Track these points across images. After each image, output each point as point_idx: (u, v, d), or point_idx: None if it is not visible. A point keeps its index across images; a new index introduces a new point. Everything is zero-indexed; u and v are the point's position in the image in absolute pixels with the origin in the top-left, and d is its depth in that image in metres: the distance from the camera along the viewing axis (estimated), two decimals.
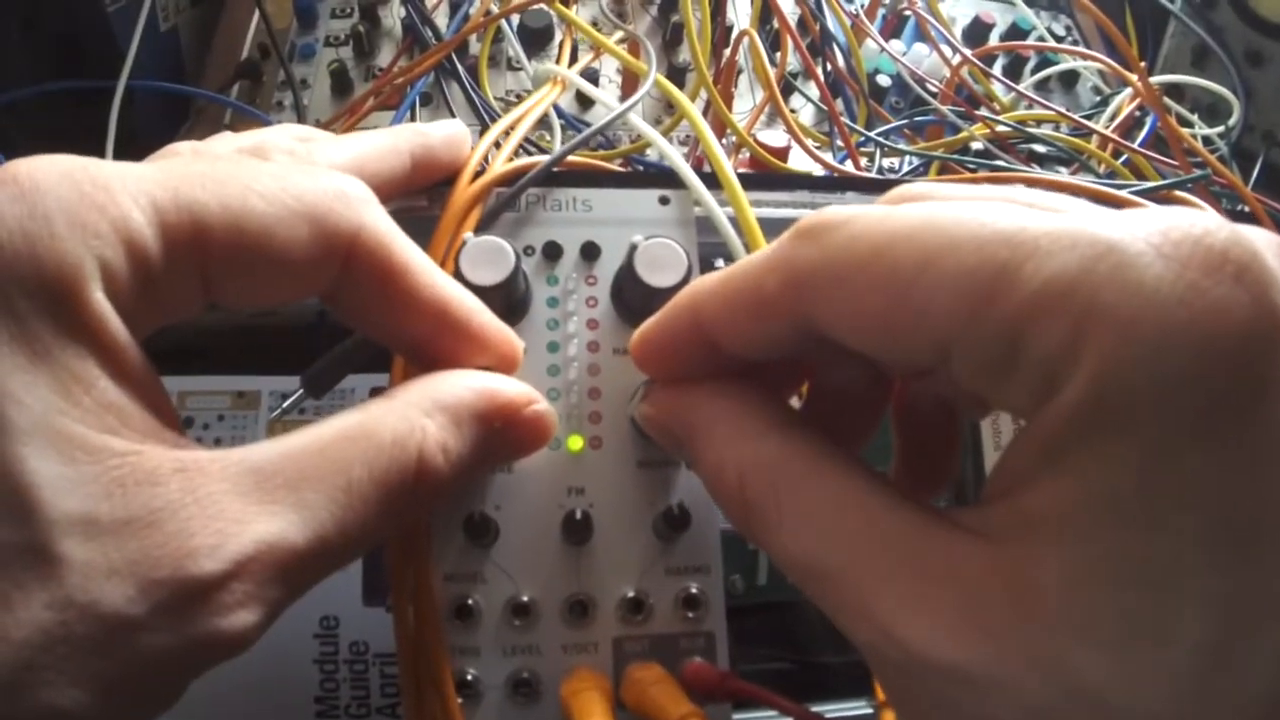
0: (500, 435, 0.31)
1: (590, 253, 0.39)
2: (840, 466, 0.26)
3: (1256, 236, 0.21)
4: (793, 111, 0.70)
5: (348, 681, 0.44)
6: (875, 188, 0.46)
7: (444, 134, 0.40)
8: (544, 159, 0.40)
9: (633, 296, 0.37)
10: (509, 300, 0.37)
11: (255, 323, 0.52)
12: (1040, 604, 0.21)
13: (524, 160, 0.40)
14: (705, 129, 0.42)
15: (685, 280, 0.36)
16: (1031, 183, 0.49)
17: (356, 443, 0.27)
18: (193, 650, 0.23)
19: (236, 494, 0.24)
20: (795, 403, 0.35)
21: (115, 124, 0.59)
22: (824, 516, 0.25)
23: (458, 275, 0.34)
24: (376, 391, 0.46)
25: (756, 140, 0.60)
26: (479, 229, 0.37)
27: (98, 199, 0.24)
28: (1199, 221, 0.21)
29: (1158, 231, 0.20)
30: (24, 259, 0.23)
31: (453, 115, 0.64)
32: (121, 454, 0.23)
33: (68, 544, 0.21)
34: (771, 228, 0.38)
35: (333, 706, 0.44)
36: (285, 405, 0.40)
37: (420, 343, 0.31)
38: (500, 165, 0.39)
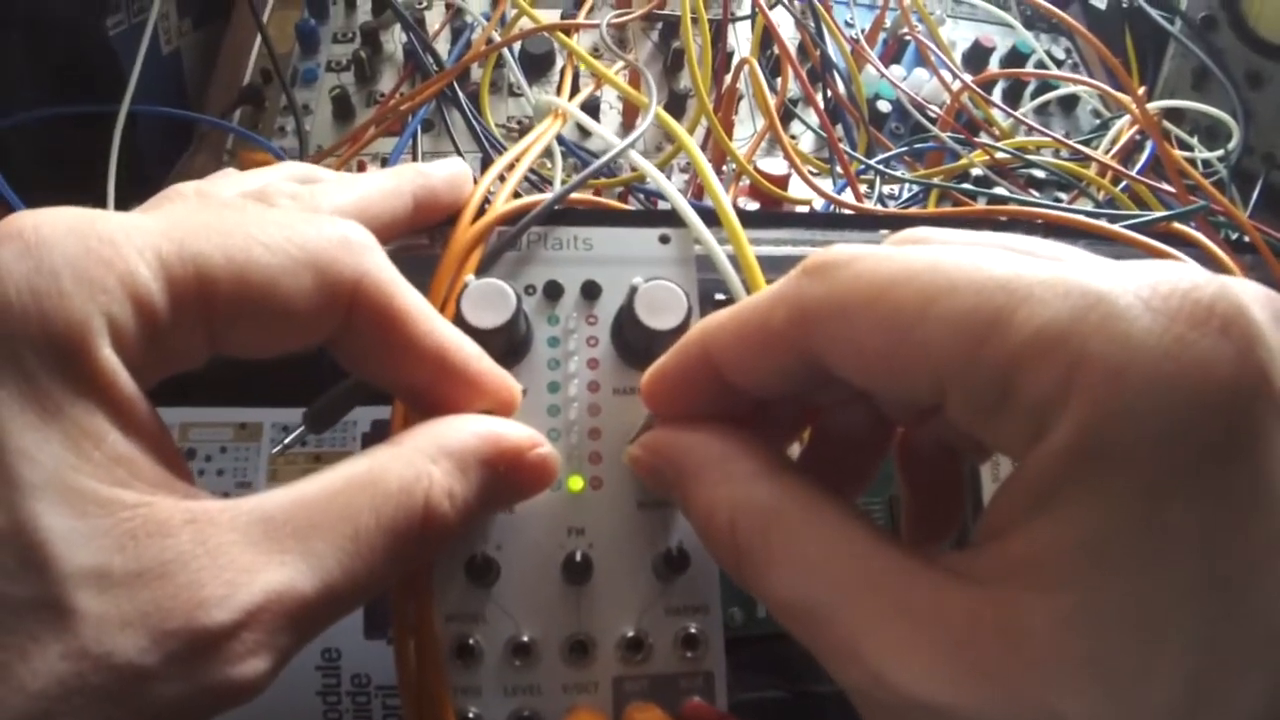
0: (505, 479, 0.31)
1: (591, 292, 0.39)
2: (832, 511, 0.26)
3: (1244, 290, 0.21)
4: (793, 138, 0.70)
5: (350, 713, 0.45)
6: (873, 223, 0.47)
7: (446, 174, 0.40)
8: (545, 198, 0.40)
9: (633, 338, 0.37)
10: (510, 342, 0.37)
11: None
12: (1028, 648, 0.21)
13: (525, 200, 0.40)
14: (705, 166, 0.42)
15: (685, 322, 0.36)
16: (1032, 215, 0.49)
17: (364, 490, 0.27)
18: (204, 698, 0.23)
19: (246, 544, 0.24)
20: (796, 448, 0.36)
21: (118, 148, 0.59)
22: (815, 559, 0.26)
23: (459, 318, 0.35)
24: (379, 424, 0.46)
25: (757, 169, 0.61)
26: (480, 269, 0.38)
27: (104, 254, 0.24)
28: (1187, 276, 0.21)
29: (1147, 285, 0.21)
30: (33, 317, 0.23)
31: (454, 142, 0.64)
32: (133, 506, 0.23)
33: (81, 597, 0.22)
34: (771, 265, 0.38)
35: None
36: (287, 441, 0.40)
37: (419, 388, 0.32)
38: (501, 204, 0.39)
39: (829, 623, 0.24)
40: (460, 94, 0.63)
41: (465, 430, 0.30)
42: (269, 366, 0.50)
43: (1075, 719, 0.20)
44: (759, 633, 0.48)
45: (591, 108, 0.69)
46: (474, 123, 0.62)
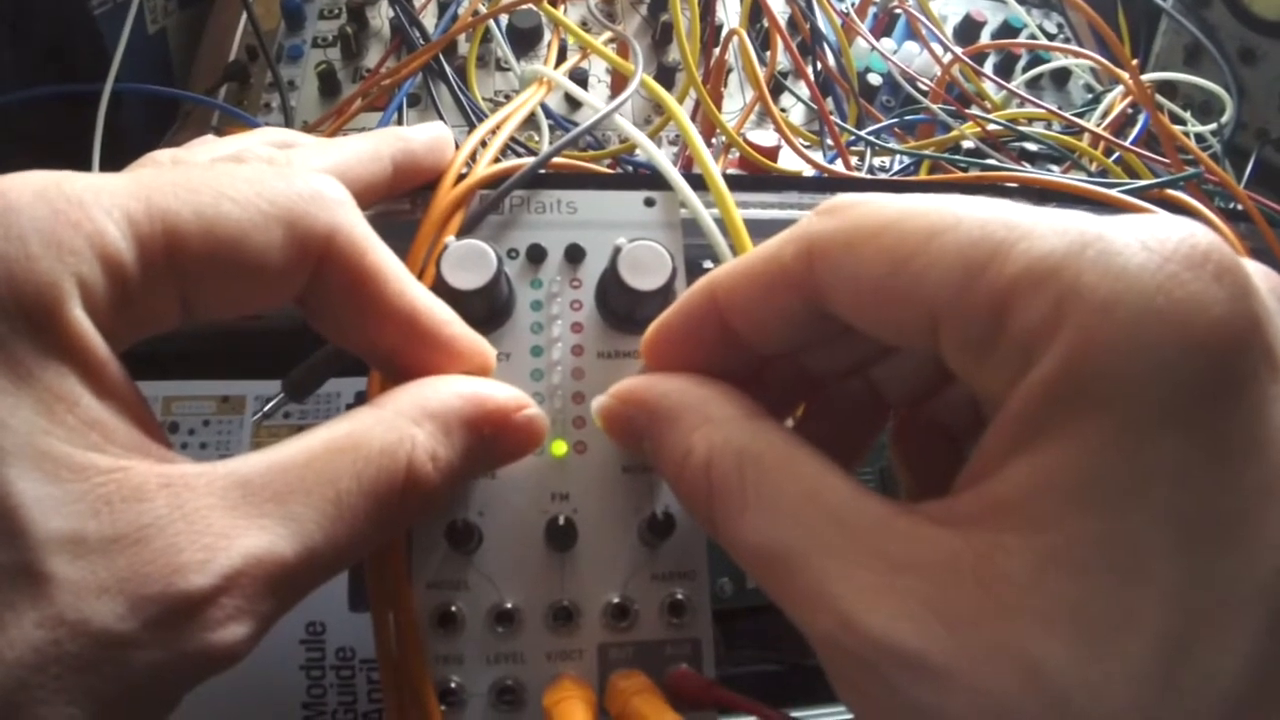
0: (490, 441, 0.31)
1: (575, 255, 0.38)
2: (810, 459, 0.26)
3: (1242, 257, 0.21)
4: (783, 111, 0.70)
5: (334, 687, 0.44)
6: (866, 188, 0.46)
7: (426, 138, 0.39)
8: (529, 161, 0.39)
9: (616, 300, 0.37)
10: (492, 304, 0.36)
11: (240, 327, 0.51)
12: (1004, 592, 0.21)
13: (509, 163, 0.39)
14: (691, 130, 0.42)
15: (669, 283, 0.35)
16: (1027, 181, 0.49)
17: (345, 453, 0.27)
18: (185, 665, 0.23)
19: (224, 508, 0.24)
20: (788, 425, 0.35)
21: (102, 127, 0.59)
22: (789, 503, 0.25)
23: (439, 279, 0.34)
24: (362, 396, 0.46)
25: (746, 140, 0.60)
26: (462, 232, 0.37)
27: (72, 215, 0.24)
28: (1186, 225, 0.21)
29: (1146, 229, 0.21)
30: (1, 282, 0.22)
31: (441, 116, 0.64)
32: (107, 471, 0.23)
33: (56, 563, 0.21)
34: (758, 229, 0.37)
35: (320, 712, 0.44)
36: (267, 409, 0.40)
37: (389, 352, 0.31)
38: (484, 168, 0.39)
39: (800, 568, 0.24)
40: (447, 68, 0.62)
41: (449, 391, 0.30)
42: (252, 339, 0.50)
43: (1049, 664, 0.20)
44: (748, 604, 0.48)
45: (579, 81, 0.68)
46: (461, 96, 0.61)
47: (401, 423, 0.28)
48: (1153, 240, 0.21)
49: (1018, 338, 0.21)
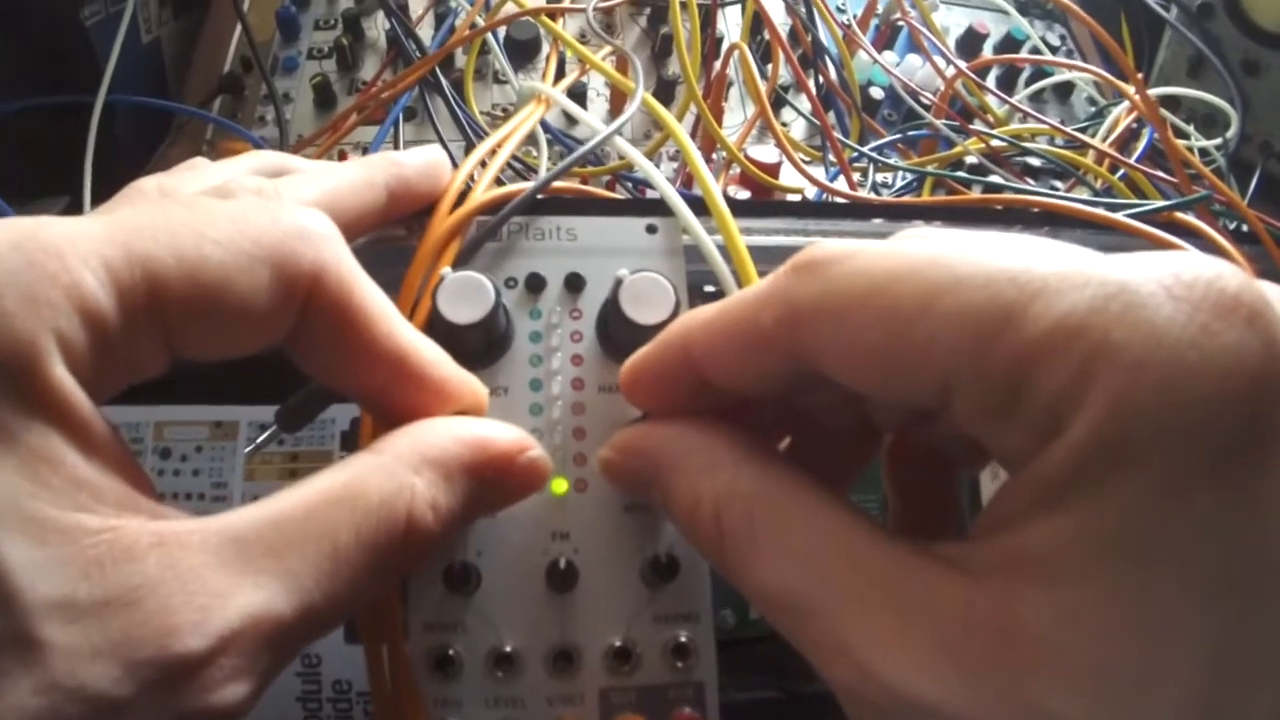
0: (492, 485, 0.30)
1: (575, 284, 0.38)
2: (820, 499, 0.25)
3: (1268, 287, 0.21)
4: (784, 125, 0.69)
5: (331, 719, 0.44)
6: (868, 211, 0.45)
7: (420, 162, 0.38)
8: (527, 186, 0.38)
9: (618, 333, 0.36)
10: (490, 337, 0.35)
11: None
12: (1024, 645, 0.20)
13: (507, 188, 0.39)
14: (694, 152, 0.41)
15: (673, 317, 0.34)
16: (1032, 204, 0.48)
17: (342, 506, 0.26)
18: None
19: (218, 565, 0.23)
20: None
21: (94, 138, 0.58)
22: (802, 548, 0.25)
23: (435, 313, 0.33)
24: (358, 423, 0.45)
25: (747, 157, 0.59)
26: (459, 261, 0.36)
27: (49, 267, 0.23)
28: (1210, 266, 0.20)
29: (1170, 274, 0.20)
30: None
31: (437, 130, 0.63)
32: (96, 532, 0.22)
33: (48, 628, 0.21)
34: (762, 256, 0.37)
35: None
36: (259, 441, 0.39)
37: (377, 393, 0.30)
38: (481, 193, 0.38)
39: (815, 615, 0.23)
40: (444, 81, 0.61)
41: (448, 435, 0.29)
42: (244, 364, 0.49)
43: None
44: (752, 635, 0.47)
45: (578, 95, 0.68)
46: (457, 110, 0.60)
47: (401, 471, 0.27)
48: (1179, 288, 0.20)
49: (1043, 403, 0.21)
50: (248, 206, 0.28)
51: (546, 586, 0.34)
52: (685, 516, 0.28)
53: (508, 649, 0.33)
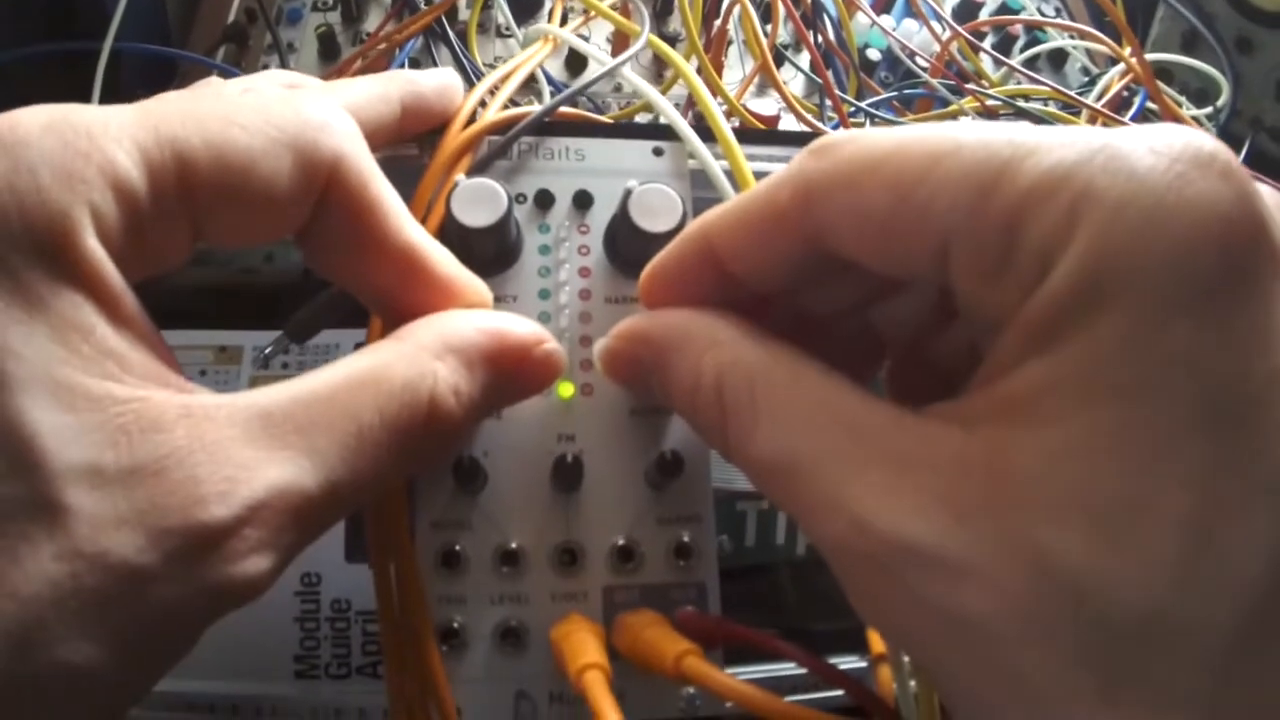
0: (510, 375, 0.31)
1: (583, 201, 0.38)
2: (818, 371, 0.26)
3: (1267, 192, 0.21)
4: (783, 83, 0.70)
5: (329, 639, 0.44)
6: None
7: (436, 82, 0.39)
8: (537, 108, 0.39)
9: (626, 242, 0.37)
10: (501, 244, 0.36)
11: (239, 281, 0.51)
12: (1016, 485, 0.21)
13: (517, 110, 0.39)
14: (699, 84, 0.41)
15: (680, 226, 0.35)
16: None
17: (367, 387, 0.26)
18: (206, 599, 0.23)
19: (245, 440, 0.24)
20: None
21: (100, 86, 0.59)
22: (801, 412, 0.25)
23: (449, 217, 0.34)
24: (361, 347, 0.45)
25: (747, 109, 0.60)
26: (470, 175, 0.37)
27: (81, 146, 0.23)
28: (1191, 132, 0.22)
29: (1151, 135, 0.21)
30: (12, 214, 0.22)
31: None
32: (124, 400, 0.23)
33: (74, 494, 0.21)
34: None
35: (313, 665, 0.43)
36: (267, 350, 0.40)
37: (387, 290, 0.31)
38: (493, 113, 0.39)
39: (812, 476, 0.24)
40: (449, 31, 0.62)
41: (470, 325, 0.30)
42: (252, 292, 0.50)
43: (1063, 556, 0.20)
44: (747, 563, 0.48)
45: (579, 58, 0.68)
46: (463, 59, 0.61)
47: (423, 357, 0.28)
48: (1159, 144, 0.21)
49: (1034, 248, 0.21)
50: (272, 98, 0.29)
51: (552, 486, 0.35)
52: (687, 395, 0.28)
53: (513, 546, 0.34)
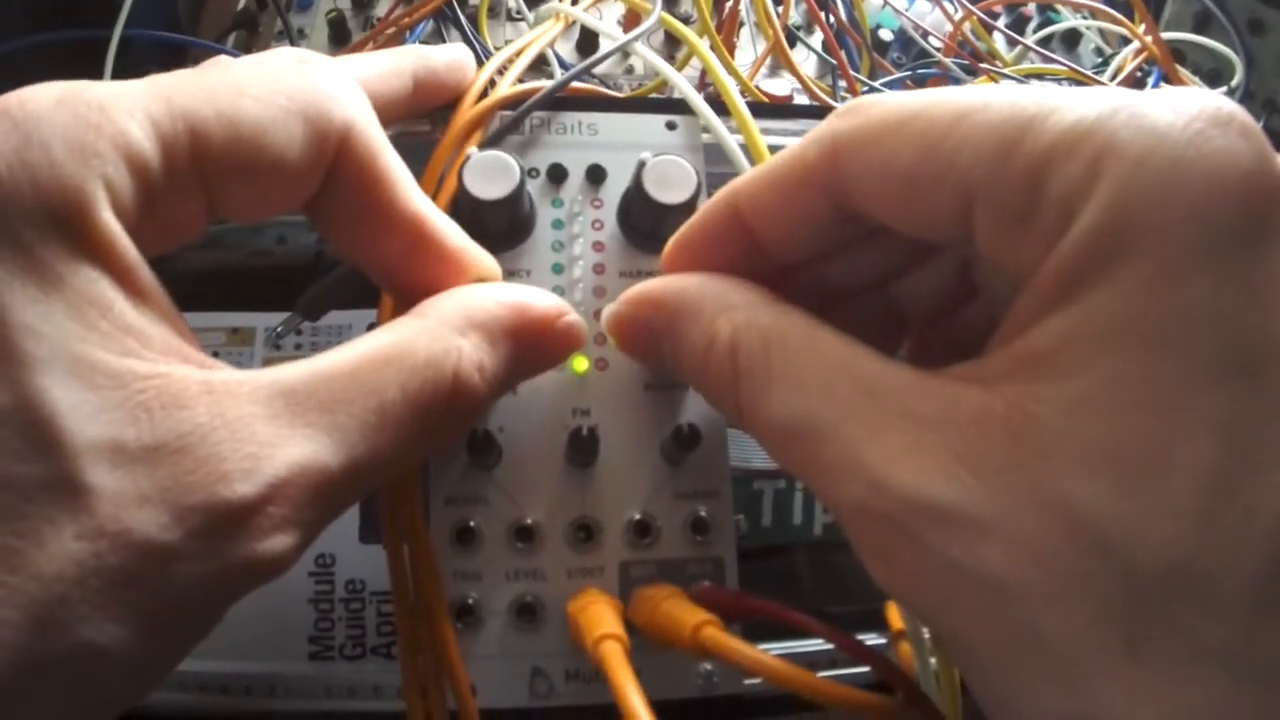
0: (532, 349, 0.30)
1: (596, 176, 0.38)
2: (833, 334, 0.26)
3: None
4: (796, 64, 0.69)
5: (343, 620, 0.44)
6: None
7: (448, 57, 0.39)
8: (549, 83, 0.39)
9: (640, 214, 0.36)
10: (514, 217, 0.36)
11: (252, 264, 0.51)
12: (1038, 439, 0.21)
13: (529, 85, 0.39)
14: (712, 59, 0.41)
15: (694, 198, 0.35)
16: None
17: (390, 364, 0.26)
18: (230, 576, 0.23)
19: (267, 416, 0.24)
20: None
21: (110, 74, 0.58)
22: (816, 374, 0.25)
23: (461, 189, 0.34)
24: (372, 328, 0.45)
25: (759, 89, 0.60)
26: (482, 149, 0.37)
27: (93, 119, 0.23)
28: (1210, 94, 0.22)
29: (1171, 96, 0.22)
30: (25, 189, 0.22)
31: None
32: (145, 377, 0.22)
33: (95, 472, 0.21)
34: None
35: (327, 646, 0.44)
36: (279, 329, 0.39)
37: (395, 262, 0.31)
38: (506, 87, 0.39)
39: (828, 438, 0.24)
40: (460, 14, 0.61)
41: (492, 300, 0.30)
42: (264, 274, 0.50)
43: (1086, 506, 0.20)
44: (762, 544, 0.48)
45: (589, 36, 0.68)
46: (473, 43, 0.60)
47: (446, 333, 0.28)
48: (1180, 104, 0.21)
49: (1057, 200, 0.22)
50: (282, 68, 0.29)
51: (567, 461, 0.35)
52: (699, 359, 0.28)
53: (529, 521, 0.34)
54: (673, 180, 0.35)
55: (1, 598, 0.20)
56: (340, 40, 0.68)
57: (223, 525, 0.22)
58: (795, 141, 0.27)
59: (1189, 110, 0.21)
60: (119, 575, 0.21)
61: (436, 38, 0.65)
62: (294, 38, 0.67)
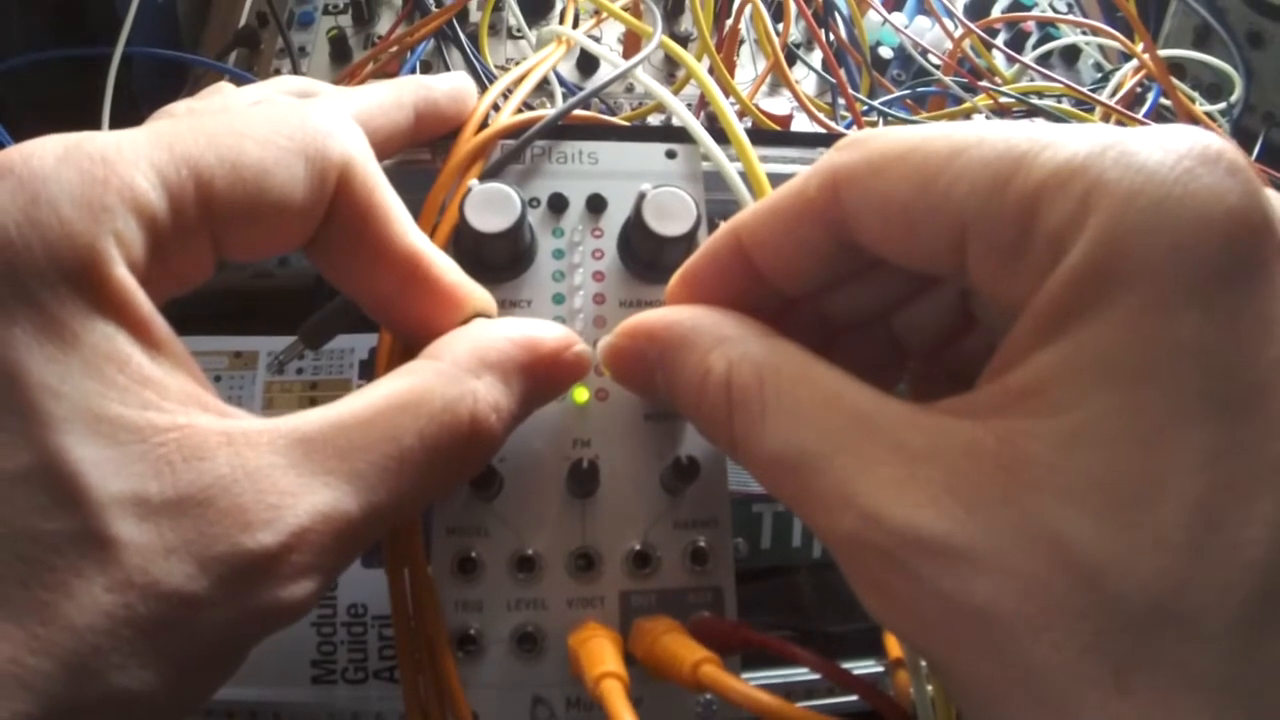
0: (543, 381, 0.31)
1: (596, 205, 0.38)
2: (827, 368, 0.26)
3: (1273, 195, 0.22)
4: (795, 82, 0.69)
5: (345, 644, 0.44)
6: None
7: (449, 87, 0.39)
8: (550, 112, 0.39)
9: (640, 246, 0.37)
10: (515, 249, 0.36)
11: (254, 286, 0.52)
12: (1028, 473, 0.21)
13: (530, 114, 0.39)
14: (711, 84, 0.41)
15: (694, 229, 0.35)
16: None
17: (406, 410, 0.27)
18: (255, 621, 0.24)
19: (287, 465, 0.24)
20: None
21: (112, 91, 0.59)
22: (810, 407, 0.25)
23: (462, 222, 0.34)
24: (374, 352, 0.45)
25: (759, 108, 0.60)
26: (483, 180, 0.37)
27: (99, 174, 0.24)
28: (1200, 132, 0.22)
29: (1161, 134, 0.22)
30: (37, 248, 0.22)
31: None
32: (165, 429, 0.23)
33: (121, 526, 0.21)
34: (781, 183, 0.37)
35: (329, 670, 0.44)
36: (281, 355, 0.40)
37: (391, 297, 0.31)
38: (506, 117, 0.39)
39: (821, 471, 0.24)
40: (460, 33, 0.62)
41: (503, 339, 0.30)
42: (266, 297, 0.50)
43: (1078, 541, 0.20)
44: (763, 565, 0.48)
45: (591, 55, 0.68)
46: (474, 61, 0.61)
47: (461, 375, 0.28)
48: (1168, 142, 0.21)
49: (1048, 235, 0.22)
50: (280, 108, 0.29)
51: (567, 492, 0.35)
52: (693, 391, 0.28)
53: (529, 552, 0.34)
54: (672, 212, 0.35)
55: (35, 649, 0.20)
56: (341, 58, 0.68)
57: (247, 574, 0.23)
58: (794, 169, 0.28)
59: (1178, 148, 0.21)
60: (149, 624, 0.21)
61: (437, 56, 0.65)
62: (295, 56, 0.67)
